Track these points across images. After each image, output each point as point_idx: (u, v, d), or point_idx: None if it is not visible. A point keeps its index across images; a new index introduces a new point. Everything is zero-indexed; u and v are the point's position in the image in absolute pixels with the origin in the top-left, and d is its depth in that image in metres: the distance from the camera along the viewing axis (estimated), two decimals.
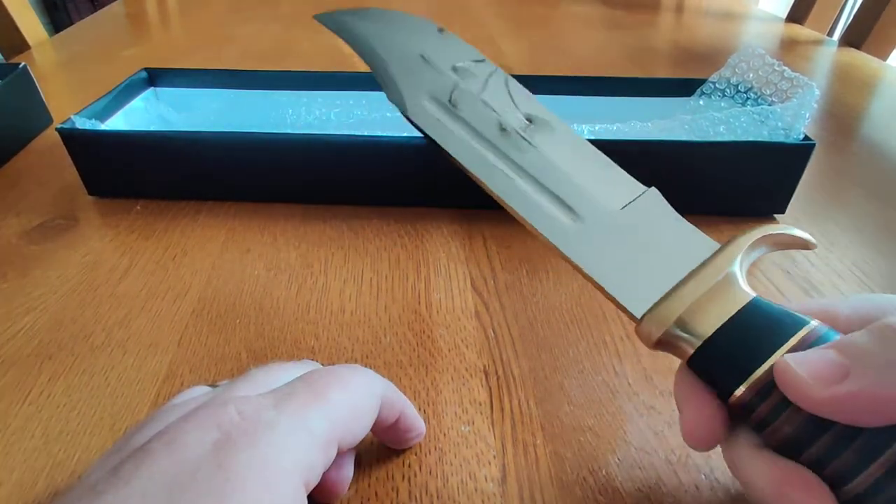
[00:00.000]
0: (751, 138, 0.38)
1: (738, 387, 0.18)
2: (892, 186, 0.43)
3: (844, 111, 0.56)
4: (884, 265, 0.35)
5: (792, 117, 0.37)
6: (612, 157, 0.25)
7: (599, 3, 0.96)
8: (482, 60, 0.29)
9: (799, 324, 0.18)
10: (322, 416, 0.18)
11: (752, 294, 0.19)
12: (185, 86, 0.47)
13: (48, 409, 0.26)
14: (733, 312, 0.19)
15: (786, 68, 0.39)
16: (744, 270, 0.20)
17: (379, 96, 0.32)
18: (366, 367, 0.23)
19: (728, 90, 0.42)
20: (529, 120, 0.27)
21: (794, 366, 0.17)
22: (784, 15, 0.86)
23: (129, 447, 0.17)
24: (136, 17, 0.89)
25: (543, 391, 0.27)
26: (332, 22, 0.31)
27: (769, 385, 0.17)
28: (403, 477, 0.23)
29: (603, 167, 0.25)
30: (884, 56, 0.71)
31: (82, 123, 0.39)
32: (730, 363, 0.18)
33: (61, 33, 0.80)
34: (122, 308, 0.31)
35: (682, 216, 0.23)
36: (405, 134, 0.36)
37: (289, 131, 0.42)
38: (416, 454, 0.24)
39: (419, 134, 0.28)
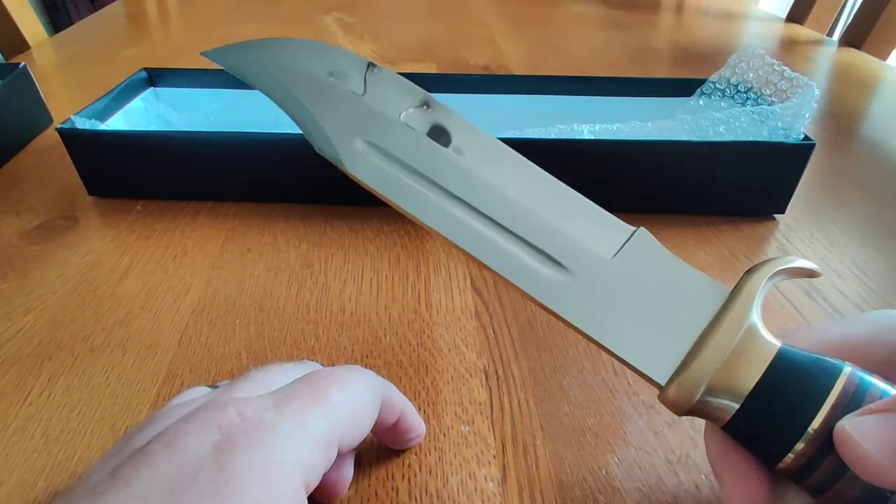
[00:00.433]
0: (751, 138, 0.38)
1: (787, 453, 0.17)
2: (892, 186, 0.43)
3: (844, 111, 0.56)
4: (883, 265, 0.35)
5: (792, 117, 0.37)
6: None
7: (599, 3, 0.96)
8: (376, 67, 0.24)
9: (835, 371, 0.17)
10: (322, 418, 0.17)
11: (778, 343, 0.18)
12: (185, 86, 0.47)
13: (48, 409, 0.26)
14: (764, 368, 0.18)
15: (786, 68, 0.39)
16: (760, 314, 0.19)
17: None
18: (366, 367, 0.23)
19: (728, 90, 0.42)
20: (462, 148, 0.23)
21: (860, 440, 0.15)
22: (784, 15, 0.86)
23: (129, 448, 0.17)
24: (136, 17, 0.89)
25: (543, 391, 0.27)
26: (222, 58, 0.25)
27: (821, 448, 0.16)
28: (403, 477, 0.23)
29: (580, 207, 0.22)
30: (884, 56, 0.71)
31: (82, 123, 0.39)
32: (773, 427, 0.17)
33: (61, 33, 0.80)
34: (122, 308, 0.31)
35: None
36: None
37: (288, 131, 0.42)
38: (416, 454, 0.24)
39: None
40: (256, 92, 0.24)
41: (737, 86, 0.42)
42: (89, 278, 0.34)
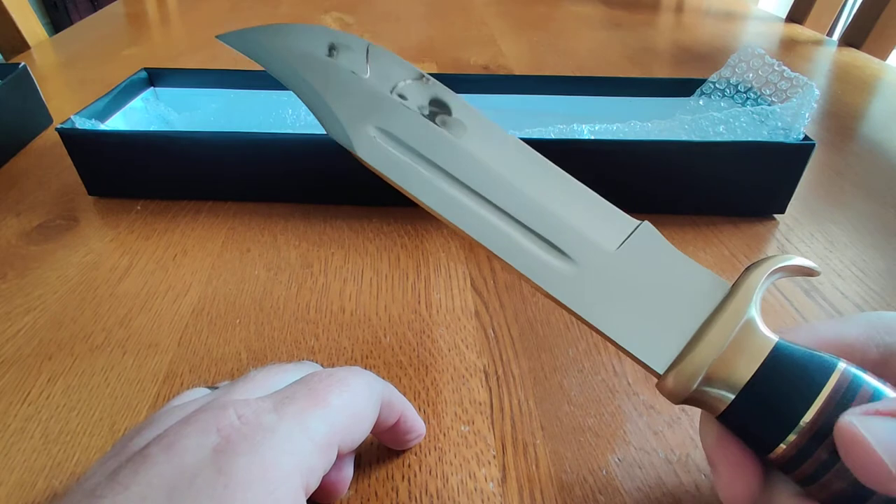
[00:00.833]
0: (750, 138, 0.38)
1: (779, 443, 0.17)
2: (892, 186, 0.43)
3: (844, 111, 0.56)
4: (882, 265, 0.35)
5: (792, 117, 0.37)
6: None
7: (599, 3, 0.96)
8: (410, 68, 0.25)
9: (829, 367, 0.17)
10: (322, 420, 0.17)
11: (775, 338, 0.19)
12: (185, 86, 0.47)
13: (48, 409, 0.26)
14: (761, 361, 0.18)
15: (785, 68, 0.39)
16: (759, 309, 0.19)
17: None
18: (365, 367, 0.23)
19: (728, 90, 0.42)
20: (473, 137, 0.23)
21: (875, 445, 0.15)
22: (784, 15, 0.86)
23: (127, 450, 0.17)
24: (135, 17, 0.89)
25: (543, 391, 0.27)
26: (237, 42, 0.25)
27: (813, 439, 0.17)
28: (403, 477, 0.23)
29: (586, 199, 0.22)
30: (884, 56, 0.71)
31: (82, 123, 0.39)
32: (767, 418, 0.18)
33: (61, 33, 0.80)
34: (122, 308, 0.31)
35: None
36: None
37: (289, 131, 0.42)
38: (416, 454, 0.24)
39: None
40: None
41: (737, 86, 0.42)
42: (89, 278, 0.34)
